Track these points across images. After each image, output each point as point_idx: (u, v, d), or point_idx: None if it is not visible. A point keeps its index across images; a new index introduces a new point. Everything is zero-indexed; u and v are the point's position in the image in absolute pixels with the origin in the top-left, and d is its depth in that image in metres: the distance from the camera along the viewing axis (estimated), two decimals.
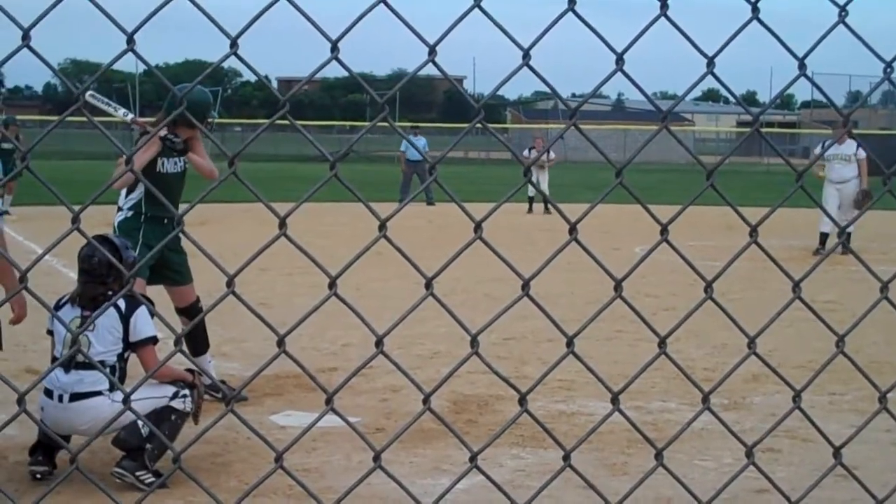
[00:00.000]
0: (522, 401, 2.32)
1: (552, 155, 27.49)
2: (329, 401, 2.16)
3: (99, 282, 6.19)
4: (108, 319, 6.17)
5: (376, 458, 2.23)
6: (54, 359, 6.28)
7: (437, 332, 10.15)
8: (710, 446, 7.05)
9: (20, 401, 2.07)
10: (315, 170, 41.56)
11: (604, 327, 10.31)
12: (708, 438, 7.14)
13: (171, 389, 6.26)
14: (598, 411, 7.74)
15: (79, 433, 6.09)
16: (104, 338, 6.16)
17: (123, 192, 8.15)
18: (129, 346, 6.22)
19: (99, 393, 6.05)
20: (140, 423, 5.98)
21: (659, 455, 2.50)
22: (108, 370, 6.11)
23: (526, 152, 27.74)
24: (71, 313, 6.21)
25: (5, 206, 23.02)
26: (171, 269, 8.13)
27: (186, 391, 6.32)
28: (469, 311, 10.90)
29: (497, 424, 7.48)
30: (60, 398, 6.04)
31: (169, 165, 8.03)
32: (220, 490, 6.00)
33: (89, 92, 8.16)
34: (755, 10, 2.37)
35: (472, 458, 2.29)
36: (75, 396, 6.04)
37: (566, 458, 2.39)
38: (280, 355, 2.15)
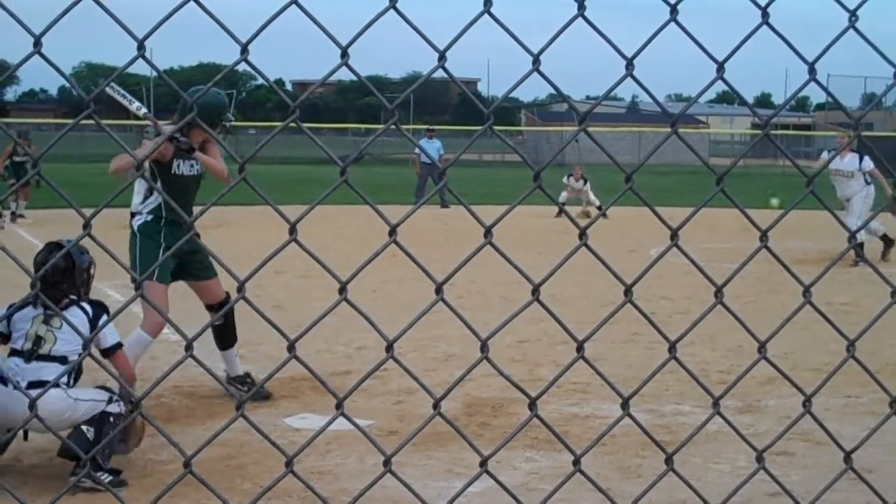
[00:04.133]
0: (532, 405, 2.31)
1: (587, 188, 27.27)
2: (339, 405, 2.16)
3: (53, 286, 6.33)
4: (76, 320, 6.34)
5: (387, 463, 2.23)
6: (13, 350, 6.35)
7: (452, 334, 10.15)
8: (724, 449, 7.02)
9: (31, 406, 2.07)
10: (330, 173, 41.60)
11: (620, 330, 10.30)
12: (723, 441, 7.11)
13: (105, 394, 6.39)
14: (613, 414, 7.72)
15: (27, 424, 6.19)
16: (69, 337, 6.30)
17: (140, 195, 8.18)
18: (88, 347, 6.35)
19: (56, 385, 6.11)
20: (84, 428, 6.22)
21: (669, 460, 2.50)
22: (68, 365, 6.24)
23: (565, 179, 27.74)
24: (33, 312, 6.35)
25: (20, 210, 23.17)
26: (192, 267, 8.17)
27: (115, 397, 6.46)
28: (485, 314, 10.91)
29: (510, 427, 7.47)
30: (16, 386, 6.10)
31: (185, 168, 8.04)
32: (234, 493, 6.00)
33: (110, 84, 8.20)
34: (765, 14, 2.36)
35: (483, 463, 2.29)
36: (32, 384, 6.13)
37: (576, 462, 2.38)
38: (293, 359, 2.15)
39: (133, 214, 8.12)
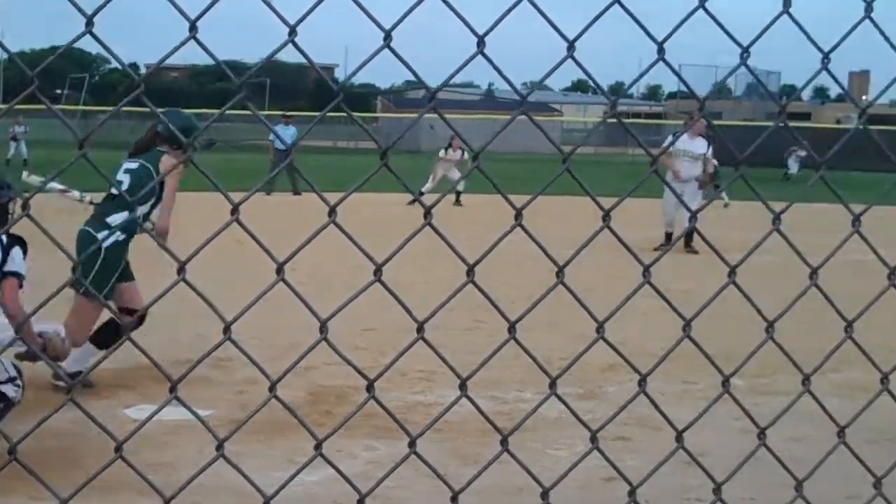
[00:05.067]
0: (370, 388, 2.29)
1: (466, 157, 27.31)
2: (173, 389, 2.10)
3: None
4: None
5: (219, 447, 2.18)
6: None
7: (295, 322, 10.03)
8: (563, 435, 7.12)
9: None
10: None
11: (462, 317, 10.33)
12: (561, 427, 7.22)
13: (6, 374, 6.17)
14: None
15: None
16: None
17: (119, 209, 8.04)
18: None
19: None
20: None
21: (504, 441, 2.50)
22: None
23: (442, 152, 27.98)
24: None
25: None
26: (126, 271, 8.21)
27: (20, 381, 6.26)
28: (328, 302, 10.81)
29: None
30: None
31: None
32: (68, 485, 5.78)
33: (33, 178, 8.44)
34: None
35: (318, 447, 2.26)
36: None
37: (412, 444, 2.37)
38: (125, 344, 2.08)
39: (100, 222, 7.96)
